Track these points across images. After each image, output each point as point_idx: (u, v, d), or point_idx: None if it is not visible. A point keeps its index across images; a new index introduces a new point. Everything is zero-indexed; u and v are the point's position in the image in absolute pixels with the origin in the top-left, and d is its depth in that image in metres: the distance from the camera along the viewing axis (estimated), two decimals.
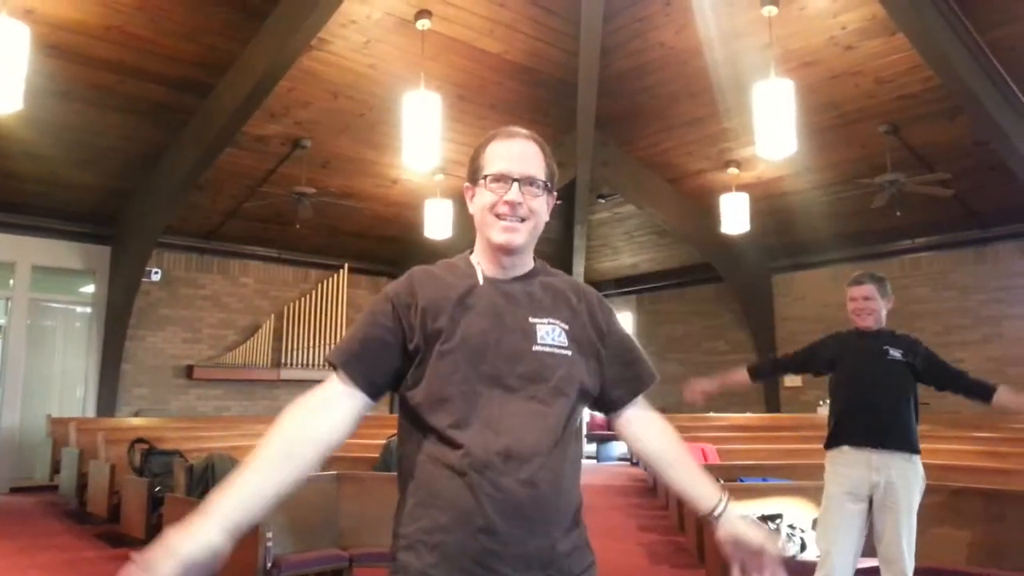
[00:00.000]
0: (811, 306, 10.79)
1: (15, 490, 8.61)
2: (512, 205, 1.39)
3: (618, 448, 13.27)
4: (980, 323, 9.69)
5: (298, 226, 9.56)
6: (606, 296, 9.88)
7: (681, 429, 6.73)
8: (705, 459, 6.19)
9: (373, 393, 1.32)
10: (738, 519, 1.42)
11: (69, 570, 4.91)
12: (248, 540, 3.76)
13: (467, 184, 1.48)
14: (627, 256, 13.58)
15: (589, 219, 12.30)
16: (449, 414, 1.27)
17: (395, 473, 1.41)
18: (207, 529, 1.16)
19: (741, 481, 4.85)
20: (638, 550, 5.75)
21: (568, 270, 13.40)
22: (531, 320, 1.35)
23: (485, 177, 1.41)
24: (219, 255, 10.69)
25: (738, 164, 9.56)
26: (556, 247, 13.25)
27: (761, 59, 6.98)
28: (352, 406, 1.31)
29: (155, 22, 6.76)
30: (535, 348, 1.33)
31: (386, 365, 1.33)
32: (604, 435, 13.50)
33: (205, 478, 5.04)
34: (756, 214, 9.59)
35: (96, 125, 7.93)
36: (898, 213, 8.51)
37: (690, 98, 8.52)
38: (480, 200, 1.42)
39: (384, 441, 5.85)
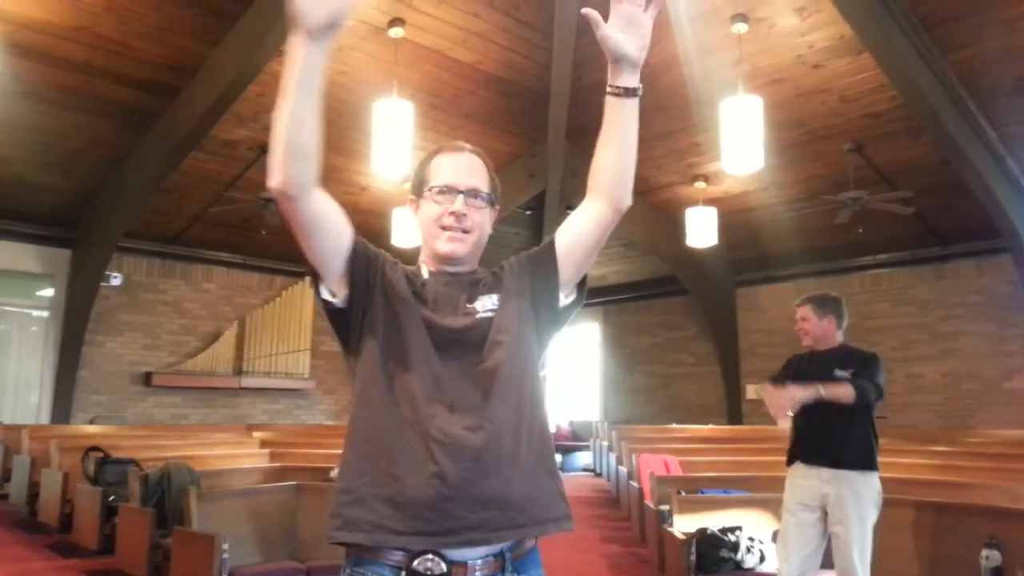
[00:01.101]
0: (774, 319, 10.92)
1: None
2: (458, 216, 1.43)
3: (582, 459, 13.28)
4: (938, 339, 9.89)
5: (264, 232, 9.45)
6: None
7: (644, 440, 6.77)
8: (668, 471, 6.22)
9: (349, 256, 1.37)
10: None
11: None
12: (204, 551, 3.69)
13: (411, 196, 1.51)
14: (595, 267, 13.47)
15: (558, 229, 12.34)
16: (397, 374, 1.32)
17: None
18: None
19: (702, 493, 4.87)
20: (600, 561, 5.74)
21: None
22: (471, 303, 1.42)
23: (431, 188, 1.45)
24: (182, 260, 10.52)
25: (706, 178, 9.68)
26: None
27: (730, 75, 7.08)
28: (341, 230, 1.38)
29: (124, 23, 6.65)
30: (476, 317, 1.40)
31: (340, 244, 1.37)
32: (569, 446, 13.52)
33: (160, 488, 4.94)
34: (722, 228, 9.70)
35: (61, 126, 7.78)
36: (860, 230, 8.67)
37: (660, 112, 8.60)
38: (425, 212, 1.46)
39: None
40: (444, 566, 1.23)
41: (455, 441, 1.26)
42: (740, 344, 11.68)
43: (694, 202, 9.75)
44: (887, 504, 3.88)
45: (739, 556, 3.94)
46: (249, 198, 8.66)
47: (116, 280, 9.82)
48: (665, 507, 4.72)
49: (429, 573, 1.23)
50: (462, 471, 1.25)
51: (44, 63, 6.87)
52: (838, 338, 3.41)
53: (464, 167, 1.48)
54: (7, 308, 9.53)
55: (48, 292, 9.67)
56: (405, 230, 9.30)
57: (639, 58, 1.48)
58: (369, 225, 10.50)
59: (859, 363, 3.31)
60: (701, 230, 9.46)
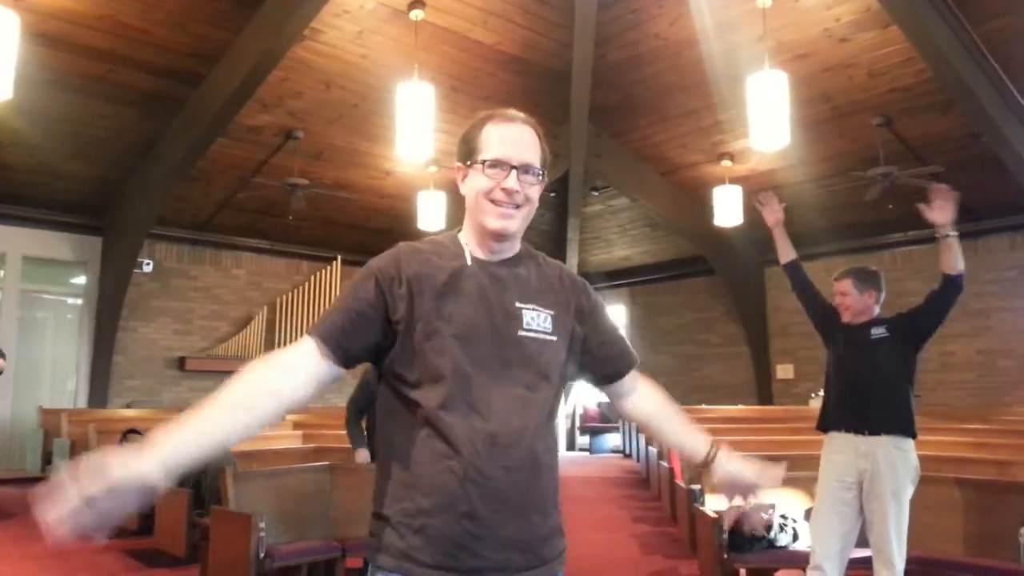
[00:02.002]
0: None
1: (5, 481, 8.58)
2: (510, 192, 1.37)
3: (611, 440, 13.30)
4: (971, 316, 9.72)
5: (291, 218, 9.53)
6: (598, 289, 9.78)
7: None
8: None
9: (345, 362, 1.31)
10: (730, 460, 1.55)
11: (60, 560, 4.89)
12: (241, 529, 3.75)
13: (459, 164, 1.43)
14: (620, 248, 13.58)
15: (582, 211, 12.29)
16: (438, 394, 1.26)
17: None
18: (146, 461, 1.12)
19: None
20: (631, 541, 5.77)
21: (561, 262, 13.40)
22: (517, 305, 1.36)
23: (483, 162, 1.38)
24: (211, 247, 10.64)
25: (732, 157, 9.57)
26: (549, 239, 13.25)
27: (755, 51, 6.98)
28: (320, 371, 1.30)
29: (146, 11, 6.71)
30: (520, 333, 1.33)
31: (364, 338, 1.31)
32: (597, 427, 13.54)
33: (196, 469, 5.03)
34: (749, 207, 9.58)
35: (87, 115, 7.87)
36: (890, 206, 8.53)
37: (684, 90, 8.51)
38: (474, 183, 1.39)
39: None
40: None
41: (490, 482, 1.24)
42: (769, 324, 11.59)
43: (720, 181, 9.65)
44: (923, 481, 3.85)
45: (772, 535, 3.92)
46: (275, 184, 8.72)
47: (147, 267, 9.97)
48: (696, 487, 4.72)
49: None
50: (492, 513, 1.24)
51: (68, 52, 6.94)
52: (875, 312, 3.37)
53: (517, 140, 1.40)
54: (42, 296, 9.72)
55: (81, 280, 9.84)
56: (430, 213, 9.32)
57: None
58: (394, 209, 10.55)
59: (891, 320, 3.29)
60: (728, 209, 9.38)
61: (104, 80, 7.42)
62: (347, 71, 7.89)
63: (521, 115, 1.45)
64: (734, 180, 9.62)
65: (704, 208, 9.95)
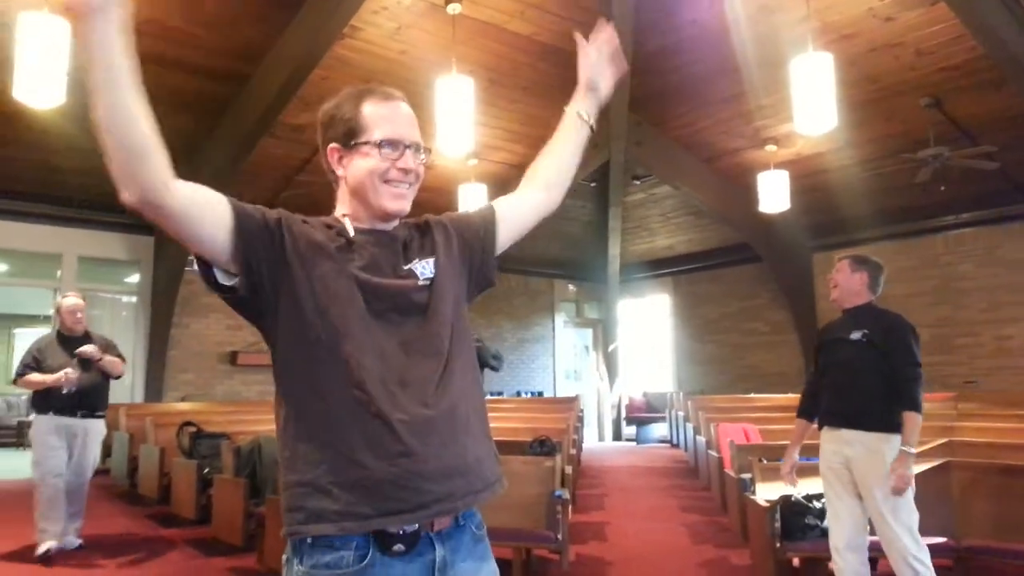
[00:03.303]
0: None
1: None
2: (407, 171, 1.38)
3: (658, 430, 13.24)
4: None
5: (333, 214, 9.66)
6: (639, 279, 9.75)
7: (721, 411, 6.70)
8: (747, 439, 6.15)
9: (240, 234, 1.28)
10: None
11: (124, 548, 5.06)
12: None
13: (335, 145, 1.39)
14: (663, 238, 13.48)
15: (624, 201, 12.23)
16: (342, 353, 1.25)
17: None
18: None
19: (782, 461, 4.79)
20: (681, 530, 5.74)
21: (603, 253, 13.37)
22: (405, 266, 1.37)
23: (373, 142, 1.36)
24: None
25: (776, 141, 9.42)
26: (591, 230, 13.23)
27: (798, 33, 6.84)
28: (220, 213, 1.29)
29: (191, 14, 6.86)
30: (417, 283, 1.35)
31: (255, 240, 1.30)
32: (644, 417, 13.49)
33: (252, 459, 5.16)
34: (795, 192, 9.44)
35: None
36: (942, 188, 8.32)
37: (725, 75, 8.39)
38: (364, 164, 1.36)
39: None
40: (415, 524, 1.24)
41: (414, 418, 1.23)
42: (818, 310, 11.40)
43: (765, 166, 9.50)
44: (974, 469, 3.78)
45: (825, 523, 3.88)
46: (319, 181, 8.83)
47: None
48: (746, 475, 4.68)
49: (402, 532, 1.22)
50: (426, 446, 1.23)
51: None
52: (866, 296, 3.32)
53: (404, 119, 1.40)
54: (99, 294, 10.01)
55: (135, 278, 10.12)
56: (471, 206, 9.37)
57: (605, 99, 1.70)
58: (435, 203, 10.61)
59: (880, 328, 3.19)
60: (773, 195, 9.23)
61: (152, 83, 7.53)
62: (387, 67, 7.96)
63: (398, 92, 1.43)
64: (779, 165, 9.46)
65: (749, 194, 9.81)
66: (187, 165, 8.77)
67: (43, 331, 12.47)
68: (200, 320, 10.28)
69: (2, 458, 11.86)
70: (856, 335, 3.22)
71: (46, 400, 4.77)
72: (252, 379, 10.56)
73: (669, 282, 14.13)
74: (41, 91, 5.16)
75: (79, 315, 4.90)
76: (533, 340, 13.85)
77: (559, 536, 4.12)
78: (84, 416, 4.85)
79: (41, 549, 4.60)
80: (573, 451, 6.93)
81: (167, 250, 9.81)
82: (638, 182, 11.87)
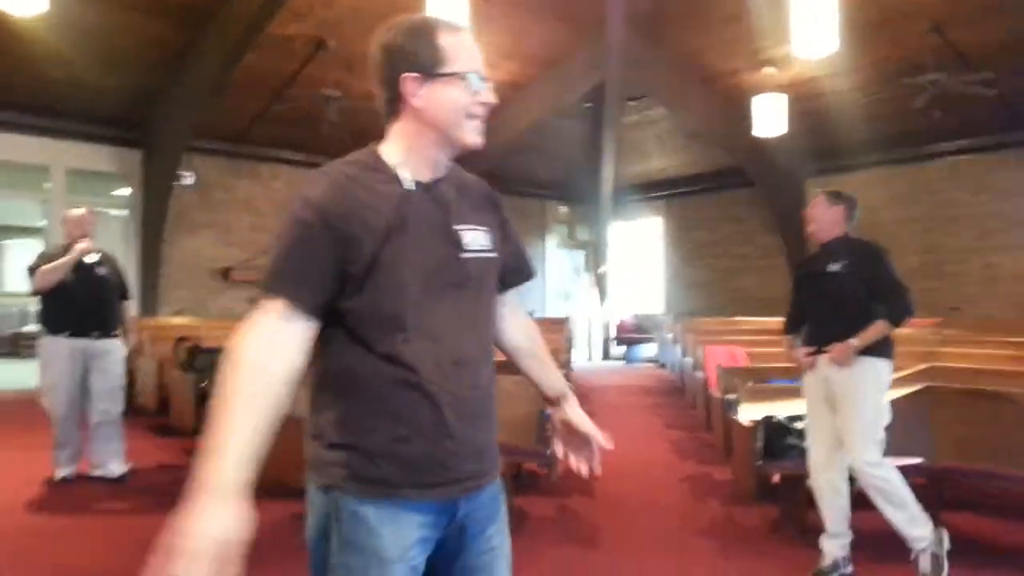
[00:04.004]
0: None
1: None
2: (488, 105, 1.34)
3: (646, 350, 13.47)
4: (1018, 227, 9.52)
5: (325, 129, 9.51)
6: (632, 201, 9.70)
7: (711, 333, 6.78)
8: (735, 362, 6.28)
9: (319, 314, 1.26)
10: (576, 409, 1.58)
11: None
12: (293, 432, 3.94)
13: (414, 74, 1.30)
14: (656, 160, 13.39)
15: (618, 122, 12.07)
16: (397, 329, 1.25)
17: None
18: (228, 502, 1.11)
19: (771, 383, 4.91)
20: (666, 446, 5.93)
21: (596, 175, 13.28)
22: (455, 228, 1.33)
23: (460, 74, 1.31)
24: (249, 159, 10.72)
25: (774, 63, 9.26)
26: (584, 151, 13.09)
27: None
28: (305, 333, 1.25)
29: None
30: (462, 255, 1.32)
31: (328, 286, 1.25)
32: (633, 338, 13.70)
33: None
34: (791, 116, 9.35)
35: (119, 26, 7.85)
36: (938, 114, 8.25)
37: None
38: (446, 96, 1.31)
39: None
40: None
41: (460, 401, 1.28)
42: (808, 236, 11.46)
43: (762, 89, 9.38)
44: (961, 395, 3.89)
45: (805, 443, 4.01)
46: (308, 95, 8.68)
47: (189, 180, 10.10)
48: (731, 396, 4.81)
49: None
50: (465, 427, 1.29)
51: None
52: (842, 228, 3.38)
53: (478, 52, 1.34)
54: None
55: (125, 192, 10.02)
56: None
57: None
58: None
59: (859, 258, 3.28)
60: (770, 118, 9.14)
61: None
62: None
63: (464, 24, 1.40)
64: (777, 88, 9.33)
65: (744, 118, 9.72)
66: (174, 74, 8.62)
67: (32, 242, 12.46)
68: (192, 237, 10.25)
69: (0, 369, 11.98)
70: (835, 267, 3.30)
71: (59, 318, 4.48)
72: (245, 295, 10.60)
73: (662, 205, 14.12)
74: None
75: (87, 227, 4.57)
76: None
77: (548, 452, 4.25)
78: (99, 337, 4.54)
79: (58, 475, 4.48)
80: (563, 371, 7.06)
81: (156, 164, 9.69)
82: (633, 103, 11.70)
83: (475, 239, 1.34)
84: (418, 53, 1.31)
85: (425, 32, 1.33)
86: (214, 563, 1.06)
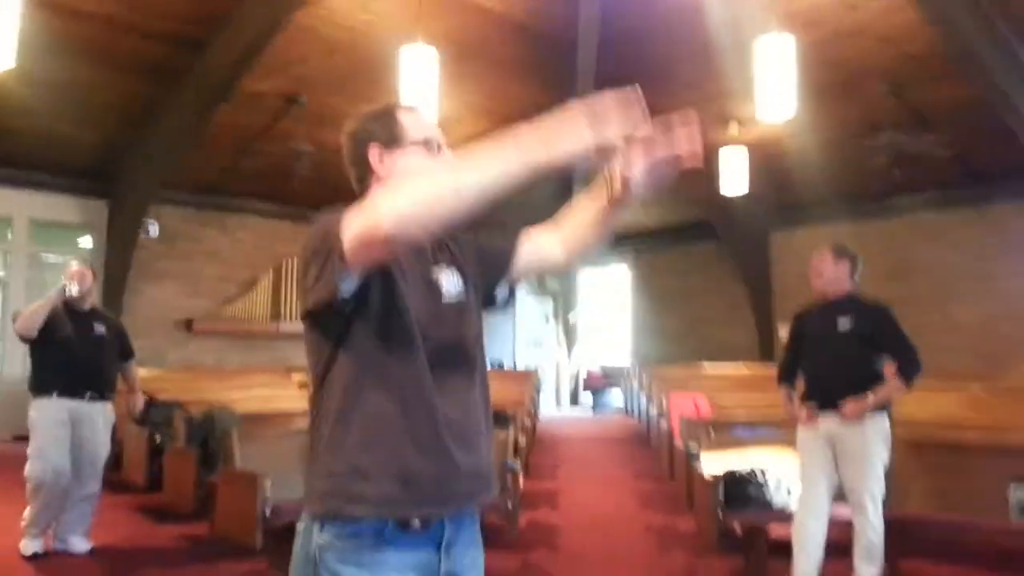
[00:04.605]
0: (809, 263, 10.77)
1: (18, 438, 8.76)
2: None
3: (614, 398, 13.46)
4: (977, 280, 9.74)
5: (296, 182, 9.55)
6: (601, 251, 9.78)
7: (674, 380, 6.81)
8: (697, 410, 6.29)
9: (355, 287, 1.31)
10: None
11: None
12: (247, 489, 3.85)
13: (377, 146, 1.48)
14: (626, 212, 13.56)
15: (588, 174, 12.24)
16: (397, 355, 1.36)
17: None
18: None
19: (734, 432, 4.92)
20: (630, 497, 5.88)
21: None
22: (433, 273, 1.47)
23: (416, 141, 1.48)
24: (217, 210, 10.69)
25: (739, 121, 9.50)
26: (554, 205, 13.20)
27: (764, 17, 6.89)
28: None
29: None
30: (444, 303, 1.45)
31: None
32: (600, 385, 13.69)
33: (204, 429, 5.14)
34: (756, 171, 9.56)
35: (90, 81, 7.86)
36: (896, 171, 8.50)
37: (691, 58, 8.38)
38: (407, 163, 1.47)
39: None
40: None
41: (454, 422, 1.37)
42: (774, 286, 11.63)
43: (726, 145, 9.60)
44: (913, 443, 3.93)
45: (768, 495, 4.01)
46: (279, 150, 8.73)
47: (153, 230, 10.03)
48: (693, 445, 4.80)
49: (415, 523, 1.34)
50: (460, 448, 1.36)
51: (71, 18, 6.87)
52: (848, 285, 3.46)
53: (433, 125, 1.55)
54: (50, 258, 9.80)
55: (88, 242, 9.92)
56: None
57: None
58: None
59: (868, 318, 3.36)
60: (733, 176, 9.35)
61: (107, 47, 7.38)
62: (350, 37, 7.83)
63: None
64: (742, 144, 9.56)
65: (712, 174, 9.91)
66: (145, 128, 8.63)
67: None
68: (155, 286, 10.13)
69: None
70: (845, 326, 3.34)
71: (49, 378, 4.20)
72: (208, 346, 10.46)
73: (631, 255, 14.27)
74: None
75: (87, 284, 4.29)
76: None
77: (510, 504, 4.20)
78: (92, 399, 4.26)
79: (29, 550, 4.10)
80: (528, 422, 7.03)
81: (121, 215, 9.62)
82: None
83: (450, 285, 1.48)
84: (379, 131, 1.50)
85: (383, 113, 1.53)
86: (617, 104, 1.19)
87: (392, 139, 1.49)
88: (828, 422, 3.30)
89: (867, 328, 3.33)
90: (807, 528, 3.30)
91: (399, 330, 1.36)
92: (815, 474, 3.35)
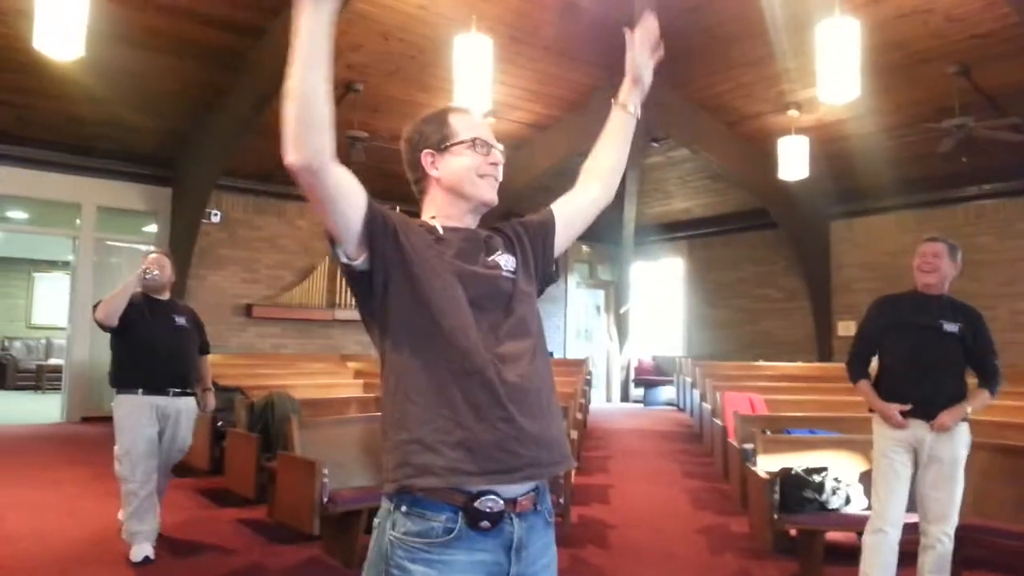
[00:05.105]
0: (870, 253, 10.51)
1: (86, 419, 9.12)
2: (497, 164, 1.59)
3: (665, 393, 13.33)
4: None
5: (351, 170, 9.63)
6: (654, 241, 9.73)
7: (728, 378, 6.73)
8: (752, 409, 6.19)
9: (369, 217, 1.40)
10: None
11: None
12: (305, 474, 3.94)
13: (429, 150, 1.57)
14: (679, 201, 13.38)
15: (641, 163, 12.11)
16: (448, 329, 1.39)
17: None
18: None
19: (787, 433, 4.84)
20: (682, 496, 5.83)
21: (619, 215, 13.29)
22: (489, 257, 1.53)
23: (465, 142, 1.56)
24: (275, 198, 10.88)
25: (798, 106, 9.26)
26: None
27: None
28: (359, 200, 1.42)
29: None
30: (499, 274, 1.51)
31: (380, 228, 1.41)
32: (652, 380, 13.57)
33: (265, 416, 5.27)
34: (815, 158, 9.32)
35: (154, 69, 8.06)
36: (964, 159, 8.18)
37: (750, 38, 8.23)
38: (457, 163, 1.56)
39: None
40: (502, 503, 1.35)
41: (513, 387, 1.38)
42: (832, 279, 11.34)
43: (786, 131, 9.37)
44: (982, 448, 3.80)
45: (824, 497, 3.93)
46: (335, 136, 8.79)
47: (216, 217, 10.28)
48: (749, 446, 4.73)
49: (489, 510, 1.33)
50: (522, 414, 1.37)
51: (134, 7, 7.08)
52: (945, 287, 3.34)
53: (484, 125, 1.63)
54: (116, 244, 10.13)
55: (152, 228, 10.22)
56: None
57: (647, 89, 1.86)
58: None
59: (969, 322, 3.23)
60: (793, 161, 9.11)
61: (168, 34, 7.57)
62: (405, 23, 7.87)
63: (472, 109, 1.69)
64: (801, 130, 9.33)
65: (768, 160, 9.70)
66: (207, 115, 8.82)
67: (62, 276, 12.69)
68: (217, 272, 10.38)
69: (22, 401, 12.16)
70: (951, 327, 3.19)
71: (132, 373, 4.07)
72: (266, 331, 10.69)
73: (684, 246, 14.08)
74: (60, 43, 5.15)
75: (167, 273, 4.31)
76: (546, 300, 13.74)
77: (561, 500, 4.21)
78: (176, 395, 4.15)
79: (138, 556, 3.90)
80: (580, 415, 7.01)
81: (184, 202, 9.88)
82: (656, 144, 11.73)
83: (505, 263, 1.54)
84: (431, 135, 1.58)
85: (435, 117, 1.60)
86: None
87: (443, 141, 1.56)
88: (917, 427, 3.16)
89: (969, 332, 3.20)
90: (888, 537, 3.16)
91: (434, 308, 1.39)
92: (893, 483, 3.19)
